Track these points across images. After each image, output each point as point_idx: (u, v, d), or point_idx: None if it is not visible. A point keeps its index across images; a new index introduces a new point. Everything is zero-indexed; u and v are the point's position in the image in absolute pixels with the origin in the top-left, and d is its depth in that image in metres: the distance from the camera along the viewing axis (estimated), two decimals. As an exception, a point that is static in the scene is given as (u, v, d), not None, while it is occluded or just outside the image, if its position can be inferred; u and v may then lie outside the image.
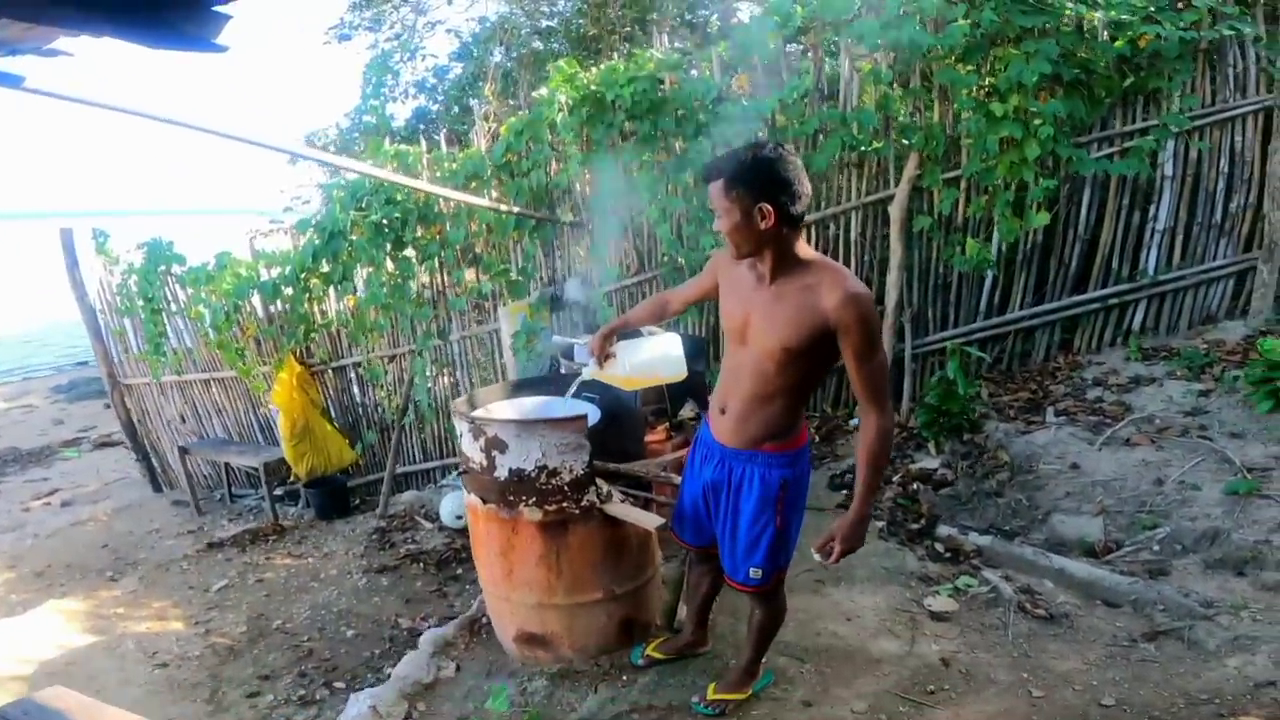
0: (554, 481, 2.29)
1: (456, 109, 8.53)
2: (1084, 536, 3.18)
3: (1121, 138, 4.04)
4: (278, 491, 5.70)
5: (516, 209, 4.26)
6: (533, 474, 2.28)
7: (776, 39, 4.08)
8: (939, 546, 3.26)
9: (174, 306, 5.90)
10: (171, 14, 1.12)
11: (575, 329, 4.41)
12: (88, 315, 6.40)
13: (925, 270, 4.31)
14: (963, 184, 4.09)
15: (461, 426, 2.38)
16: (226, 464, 6.09)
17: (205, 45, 1.17)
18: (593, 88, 4.10)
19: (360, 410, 5.73)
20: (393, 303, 4.84)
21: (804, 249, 1.82)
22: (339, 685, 3.04)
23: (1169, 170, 4.04)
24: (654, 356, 2.28)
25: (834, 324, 1.70)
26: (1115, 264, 4.19)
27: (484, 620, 2.90)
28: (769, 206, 1.67)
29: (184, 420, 6.49)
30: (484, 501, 2.40)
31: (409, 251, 4.80)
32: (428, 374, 5.10)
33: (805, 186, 1.71)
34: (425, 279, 5.00)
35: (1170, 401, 3.69)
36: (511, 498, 2.32)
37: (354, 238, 4.75)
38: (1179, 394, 3.71)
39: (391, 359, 5.35)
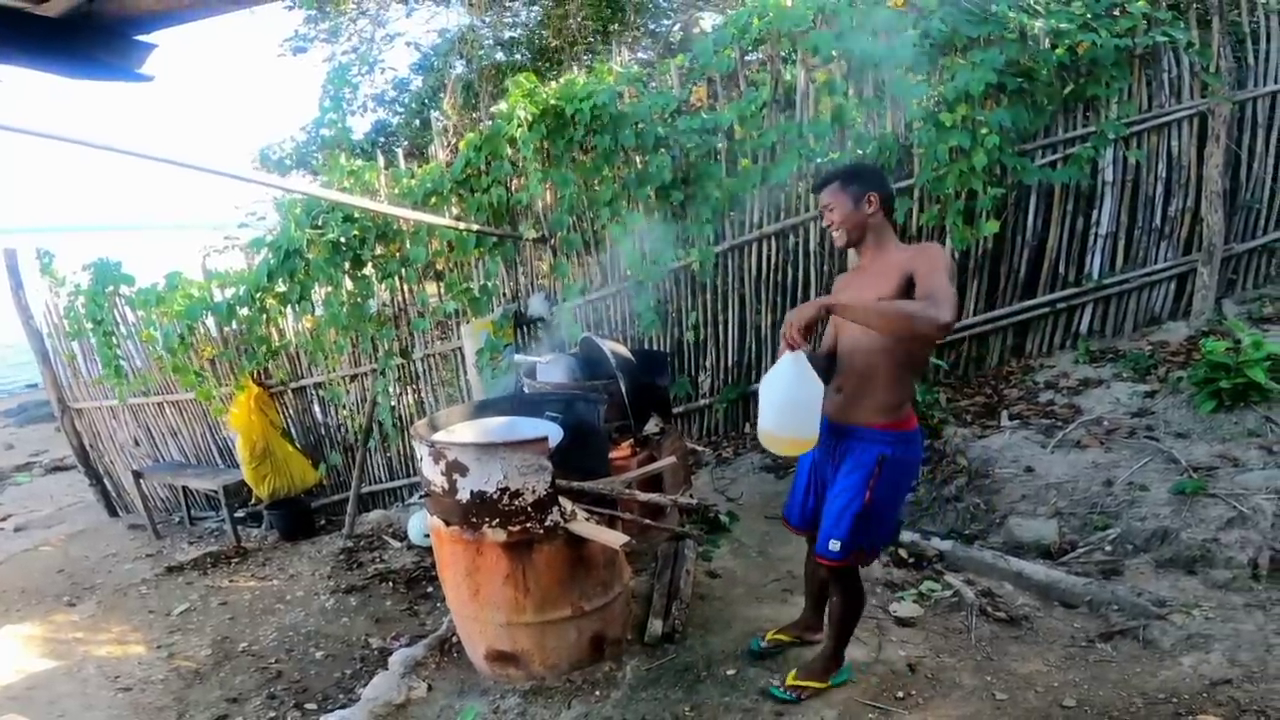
0: (516, 502, 2.28)
1: (417, 122, 8.45)
2: (1040, 539, 3.26)
3: (1063, 145, 4.17)
4: (239, 514, 5.58)
5: (477, 226, 4.24)
6: (494, 496, 2.27)
7: (734, 51, 4.13)
8: (903, 553, 3.32)
9: (124, 329, 5.74)
10: (89, 46, 1.10)
11: (539, 346, 4.40)
12: (34, 339, 6.19)
13: (883, 278, 4.39)
14: (915, 193, 4.18)
15: (422, 450, 2.36)
16: (185, 487, 5.94)
17: (128, 75, 1.15)
18: (552, 102, 4.10)
19: (322, 431, 5.63)
20: (352, 323, 4.76)
21: (898, 242, 2.14)
22: (310, 707, 2.98)
23: (1109, 176, 4.18)
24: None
25: (910, 269, 1.94)
26: (1062, 269, 4.32)
27: (454, 639, 2.87)
28: (874, 195, 2.07)
29: (138, 444, 6.32)
30: (447, 524, 2.38)
31: (368, 270, 4.74)
32: (390, 393, 5.04)
33: (893, 189, 2.16)
34: (386, 297, 4.94)
35: (1118, 403, 3.81)
36: (474, 519, 2.31)
37: (311, 256, 4.67)
38: (1125, 395, 3.83)
39: (353, 378, 5.28)
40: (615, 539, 2.23)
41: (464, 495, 2.29)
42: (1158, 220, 4.26)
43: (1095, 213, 4.26)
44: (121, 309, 5.69)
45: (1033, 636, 2.69)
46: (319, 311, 5.05)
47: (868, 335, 2.02)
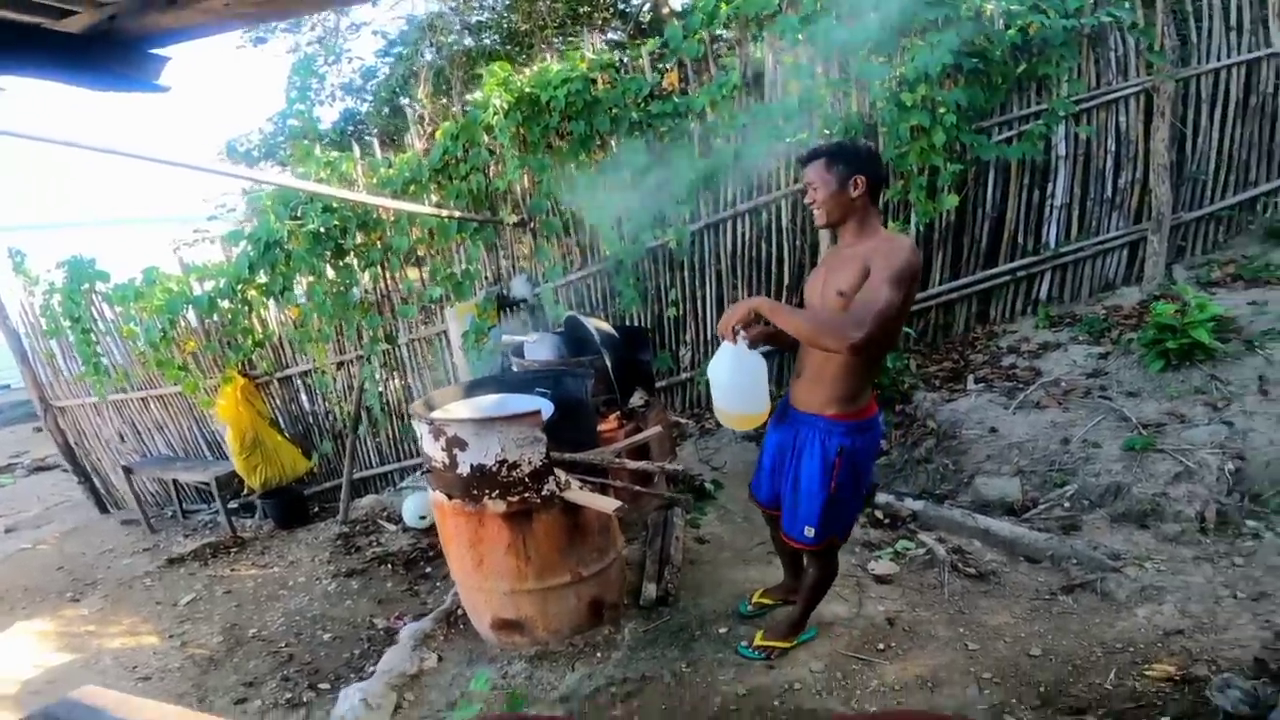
0: (514, 474, 2.42)
1: (388, 110, 8.42)
2: (1004, 496, 3.47)
3: (1018, 122, 4.36)
4: (232, 505, 5.65)
5: (459, 213, 4.33)
6: (493, 468, 2.41)
7: (704, 35, 4.24)
8: (879, 514, 3.52)
9: (102, 325, 5.74)
10: (108, 60, 1.20)
11: (525, 326, 4.52)
12: (11, 339, 6.15)
13: (852, 253, 4.57)
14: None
15: (421, 428, 2.49)
16: (175, 481, 5.98)
17: (146, 86, 1.25)
18: (527, 90, 4.19)
19: (311, 419, 5.70)
20: (337, 311, 4.84)
21: (881, 228, 2.09)
22: (324, 686, 3.11)
23: (1062, 151, 4.38)
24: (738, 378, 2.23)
25: (869, 260, 1.93)
26: (1021, 239, 4.54)
27: (460, 612, 3.01)
28: (862, 178, 2.01)
29: (123, 439, 6.33)
30: (449, 497, 2.52)
31: (350, 259, 4.80)
32: (377, 378, 5.13)
33: (885, 173, 1.98)
34: (369, 285, 5.01)
35: (1074, 365, 4.04)
36: (475, 492, 2.45)
37: (291, 247, 4.72)
38: (1081, 357, 4.06)
39: (339, 366, 5.35)
40: (608, 504, 2.38)
41: (464, 469, 2.42)
42: (1109, 192, 4.48)
43: (1050, 185, 4.47)
44: (99, 306, 5.68)
45: (1000, 591, 2.86)
46: (302, 301, 5.10)
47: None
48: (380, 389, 5.17)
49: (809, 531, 2.25)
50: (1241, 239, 4.58)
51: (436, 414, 2.65)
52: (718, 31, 4.30)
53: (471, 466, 2.41)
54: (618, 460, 2.72)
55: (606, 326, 3.36)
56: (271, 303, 5.16)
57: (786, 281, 4.64)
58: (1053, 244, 4.52)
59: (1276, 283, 4.08)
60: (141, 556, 5.35)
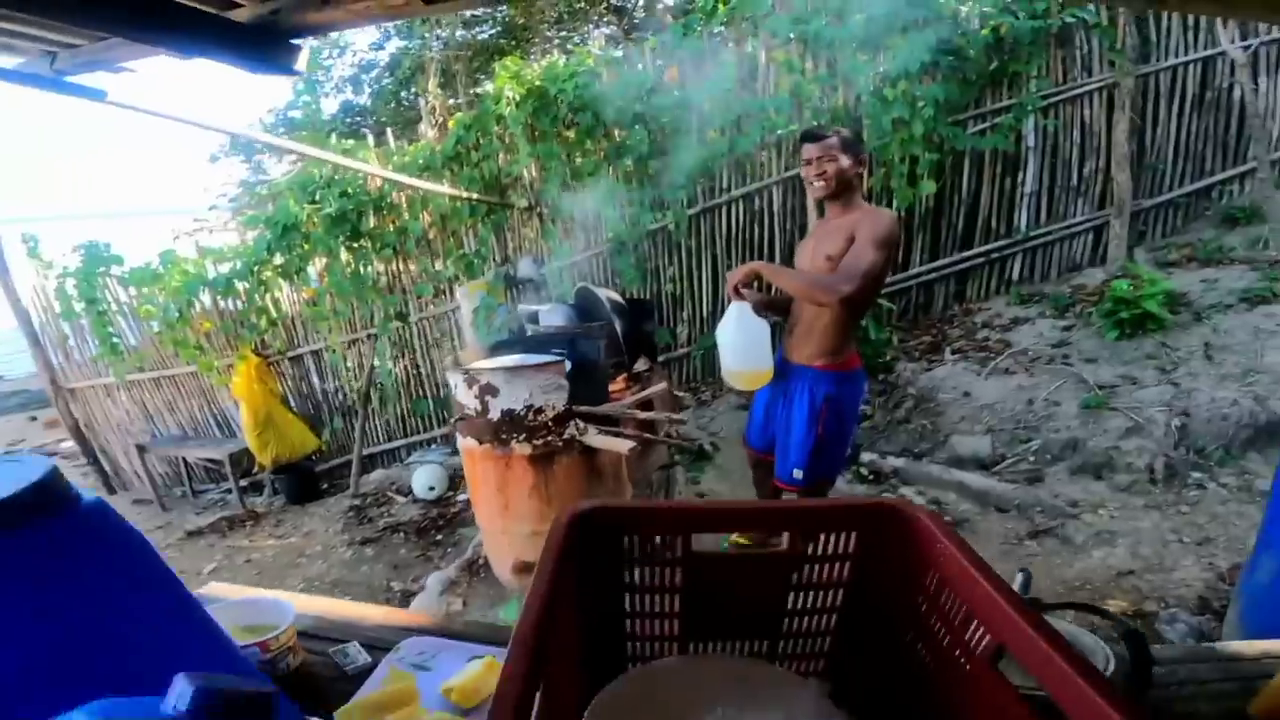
0: (540, 418, 2.71)
1: (394, 103, 8.65)
2: (976, 453, 3.82)
3: (991, 115, 4.71)
4: (243, 482, 5.86)
5: (476, 196, 4.61)
6: (522, 413, 2.69)
7: (703, 34, 4.55)
8: (864, 470, 3.85)
9: (115, 308, 5.93)
10: (263, 47, 1.47)
11: (531, 298, 4.80)
12: (23, 322, 6.32)
13: (838, 236, 4.90)
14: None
15: (456, 378, 2.76)
16: (184, 460, 6.18)
17: (286, 70, 1.53)
18: (537, 83, 4.47)
19: (320, 397, 5.94)
20: (353, 290, 5.09)
21: (864, 203, 2.39)
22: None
23: (1031, 142, 4.74)
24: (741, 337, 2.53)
25: (855, 228, 2.23)
26: (995, 224, 4.89)
27: (481, 561, 3.28)
28: (861, 158, 2.34)
29: (133, 421, 6.51)
30: (480, 442, 2.79)
31: (365, 241, 5.06)
32: (387, 355, 5.38)
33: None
34: (381, 266, 5.27)
35: (1041, 336, 4.39)
36: (504, 436, 2.73)
37: (309, 230, 4.97)
38: (1048, 330, 4.42)
39: (351, 344, 5.59)
40: (623, 445, 2.67)
41: (495, 414, 2.70)
42: (1075, 180, 4.85)
43: (1021, 174, 4.82)
44: (114, 288, 5.88)
45: (974, 537, 3.17)
46: (315, 282, 5.34)
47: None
48: (391, 366, 5.42)
49: (798, 474, 2.53)
50: (1198, 224, 4.96)
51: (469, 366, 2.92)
52: (715, 29, 4.61)
53: (502, 412, 2.69)
54: (629, 411, 3.01)
55: (616, 296, 3.65)
56: (286, 284, 5.39)
57: (778, 262, 4.95)
58: (1023, 228, 4.88)
59: (1228, 263, 4.46)
60: (155, 534, 5.54)
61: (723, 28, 4.58)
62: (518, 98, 4.46)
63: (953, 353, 4.50)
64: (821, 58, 4.53)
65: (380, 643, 1.14)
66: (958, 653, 0.73)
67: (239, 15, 1.37)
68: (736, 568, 0.93)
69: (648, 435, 3.50)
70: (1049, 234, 4.91)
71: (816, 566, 0.88)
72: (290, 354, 5.78)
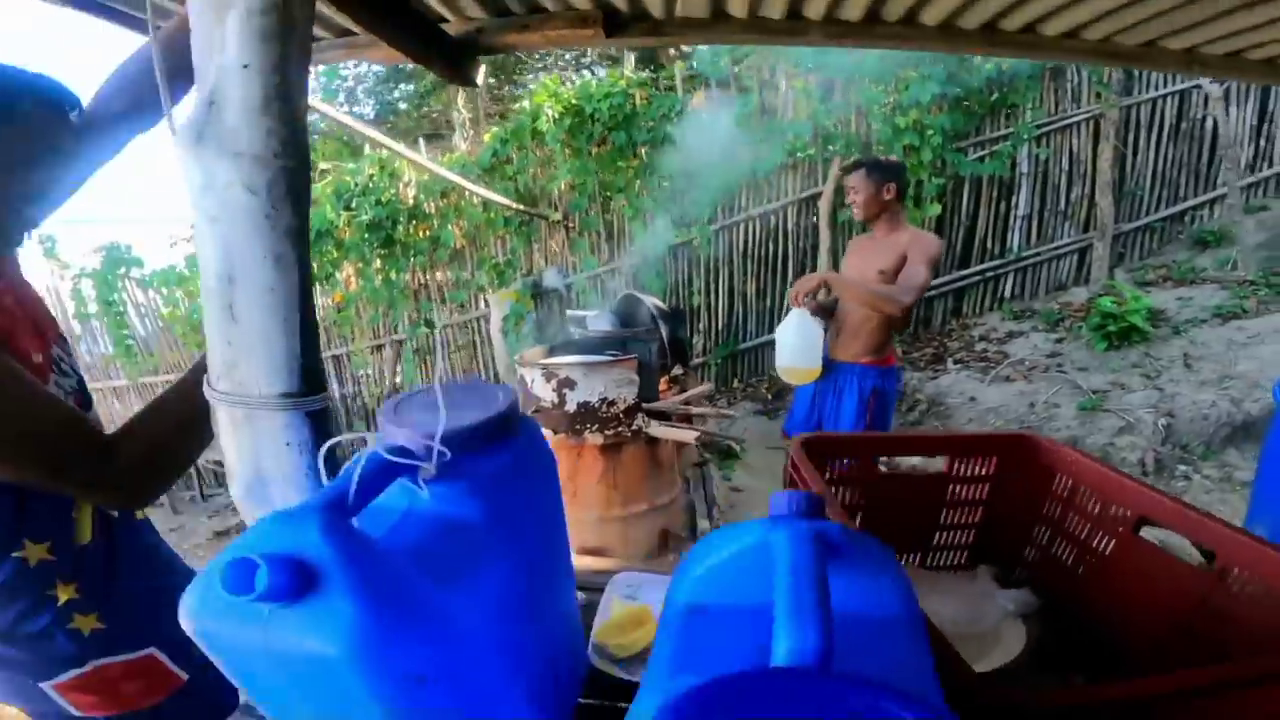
0: (612, 410, 2.95)
1: (417, 114, 8.81)
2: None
3: (988, 143, 5.12)
4: (260, 483, 5.94)
5: (518, 205, 4.84)
6: (596, 405, 2.93)
7: (728, 61, 4.88)
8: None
9: (131, 309, 5.99)
10: (459, 59, 1.70)
11: (559, 308, 5.03)
12: (36, 322, 6.32)
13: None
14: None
15: (533, 373, 2.99)
16: (196, 464, 6.23)
17: (469, 82, 1.76)
18: (573, 101, 4.74)
19: (338, 401, 6.06)
20: (386, 296, 5.26)
21: (908, 224, 2.70)
22: None
23: (1025, 168, 5.16)
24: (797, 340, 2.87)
25: (906, 248, 2.57)
26: (990, 244, 5.29)
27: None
28: (893, 185, 2.63)
29: (145, 423, 6.53)
30: (555, 433, 3.02)
31: (398, 249, 5.24)
32: (414, 359, 5.55)
33: (908, 181, 2.74)
34: (410, 274, 5.45)
35: (1035, 348, 4.79)
36: (579, 426, 2.96)
37: (341, 237, 5.14)
38: (1041, 342, 4.81)
39: (375, 349, 5.75)
40: (688, 435, 2.93)
41: (571, 406, 2.94)
42: (1062, 204, 5.28)
43: (1014, 198, 5.24)
44: (132, 290, 5.94)
45: None
46: (342, 288, 5.50)
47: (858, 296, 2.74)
48: (417, 369, 5.59)
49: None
50: (1172, 246, 5.43)
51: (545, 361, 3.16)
52: (740, 58, 4.95)
53: (578, 404, 2.93)
54: (683, 407, 3.27)
55: (660, 303, 3.92)
56: (316, 288, 5.54)
57: (790, 278, 5.28)
58: (1015, 249, 5.29)
59: (1200, 282, 4.91)
60: (170, 536, 5.60)
61: (747, 56, 4.92)
62: (556, 114, 4.72)
63: (955, 363, 4.87)
64: (838, 87, 4.89)
65: (585, 584, 1.35)
66: (1099, 532, 1.02)
67: (451, 29, 1.60)
68: (905, 484, 1.23)
69: (702, 429, 3.78)
70: (1038, 254, 5.33)
71: (963, 486, 1.20)
72: (311, 357, 5.90)
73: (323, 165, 5.21)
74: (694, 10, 1.58)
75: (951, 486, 1.20)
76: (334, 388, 6.07)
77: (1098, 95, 5.07)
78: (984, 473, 1.19)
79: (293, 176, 0.78)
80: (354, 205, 5.07)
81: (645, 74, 4.91)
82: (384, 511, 0.70)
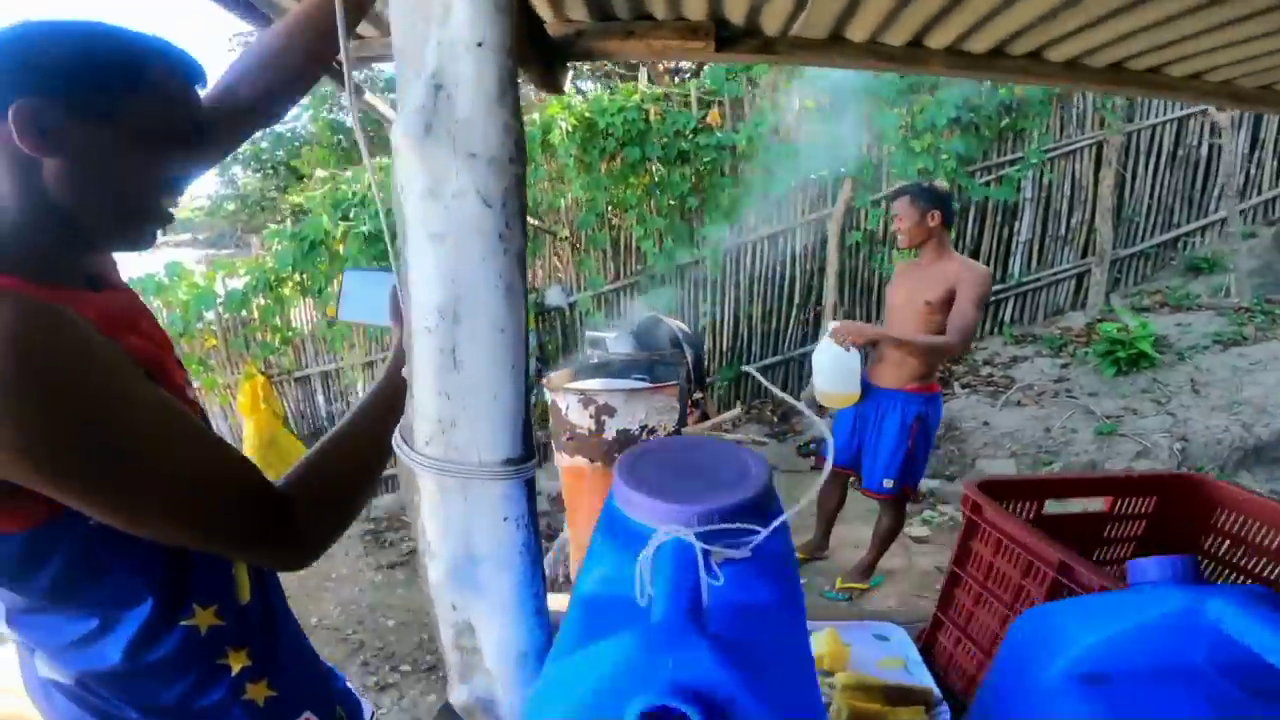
0: (652, 438, 2.83)
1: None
2: (1003, 475, 4.14)
3: (997, 168, 5.17)
4: (241, 505, 5.62)
5: (535, 222, 4.69)
6: (636, 432, 2.80)
7: (743, 81, 4.84)
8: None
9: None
10: (553, 64, 1.58)
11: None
12: None
13: (855, 276, 5.25)
14: (884, 204, 5.05)
15: (568, 400, 2.84)
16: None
17: (557, 89, 1.65)
18: (586, 114, 4.63)
19: (326, 419, 5.79)
20: (383, 309, 5.04)
21: (955, 252, 2.68)
22: (405, 669, 3.24)
23: (1028, 194, 5.23)
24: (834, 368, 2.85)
25: (955, 282, 2.55)
26: (992, 269, 5.33)
27: (561, 579, 3.31)
28: (937, 212, 2.61)
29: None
30: (591, 461, 2.88)
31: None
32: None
33: (955, 209, 2.68)
34: (407, 288, 5.24)
35: (1042, 373, 4.82)
36: (618, 454, 2.84)
37: (339, 248, 4.92)
38: (1047, 367, 4.85)
39: (366, 366, 5.51)
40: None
41: (610, 434, 2.79)
42: (1063, 230, 5.36)
43: (1017, 223, 5.30)
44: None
45: None
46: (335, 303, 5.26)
47: (910, 317, 2.70)
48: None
49: (888, 483, 2.83)
50: (1165, 272, 5.55)
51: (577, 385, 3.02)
52: (756, 77, 4.91)
53: (618, 431, 2.78)
54: (717, 433, 3.17)
55: (683, 326, 3.82)
56: (307, 301, 5.29)
57: (796, 300, 5.25)
58: (1016, 274, 5.34)
59: (1196, 308, 5.02)
60: (154, 557, 5.26)
61: (763, 75, 4.88)
62: (569, 128, 4.61)
63: (963, 387, 4.87)
64: (850, 109, 4.89)
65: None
66: (1261, 559, 1.03)
67: (550, 29, 1.49)
68: (1065, 524, 1.20)
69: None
70: (1038, 280, 5.39)
71: (1120, 524, 1.21)
72: (297, 374, 5.64)
73: (319, 173, 4.99)
74: (813, 31, 1.49)
75: (1110, 525, 1.23)
76: (323, 404, 5.81)
77: (1102, 121, 5.17)
78: (1144, 510, 1.22)
79: (522, 187, 0.65)
80: (352, 216, 4.86)
81: (660, 89, 4.83)
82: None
